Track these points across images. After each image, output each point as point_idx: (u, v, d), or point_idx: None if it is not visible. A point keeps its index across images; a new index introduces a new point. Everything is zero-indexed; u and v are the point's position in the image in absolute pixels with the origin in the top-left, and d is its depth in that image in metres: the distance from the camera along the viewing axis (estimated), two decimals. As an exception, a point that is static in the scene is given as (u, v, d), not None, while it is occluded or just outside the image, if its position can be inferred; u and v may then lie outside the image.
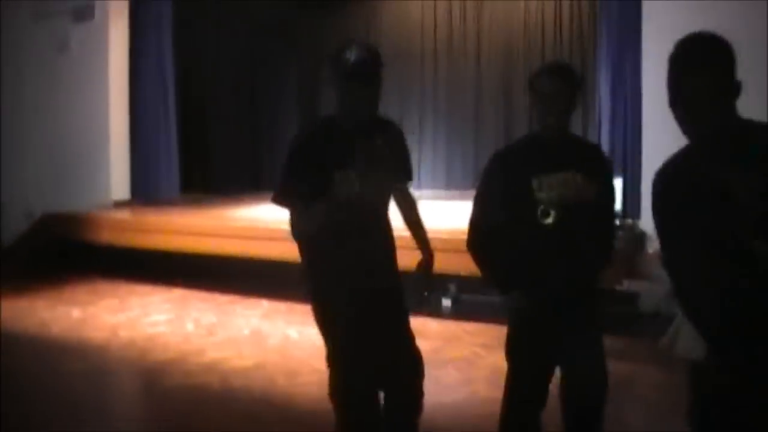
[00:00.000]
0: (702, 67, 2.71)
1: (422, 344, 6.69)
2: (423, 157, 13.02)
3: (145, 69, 11.58)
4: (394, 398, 3.98)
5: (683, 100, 2.74)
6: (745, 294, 2.63)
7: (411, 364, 3.99)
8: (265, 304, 8.45)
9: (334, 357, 3.90)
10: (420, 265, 4.09)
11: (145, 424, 5.69)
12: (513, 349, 3.76)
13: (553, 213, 3.50)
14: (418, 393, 3.99)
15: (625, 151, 8.53)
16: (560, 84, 3.50)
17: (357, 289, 3.79)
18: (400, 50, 13.11)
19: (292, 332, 7.56)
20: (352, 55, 3.50)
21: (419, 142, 13.06)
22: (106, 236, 10.11)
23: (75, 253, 10.44)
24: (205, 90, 13.26)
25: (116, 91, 11.58)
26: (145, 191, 11.38)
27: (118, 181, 11.49)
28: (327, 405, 5.52)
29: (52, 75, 11.97)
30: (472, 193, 3.77)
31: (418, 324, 7.54)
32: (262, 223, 9.13)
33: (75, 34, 11.67)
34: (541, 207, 3.50)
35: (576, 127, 11.66)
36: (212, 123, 13.07)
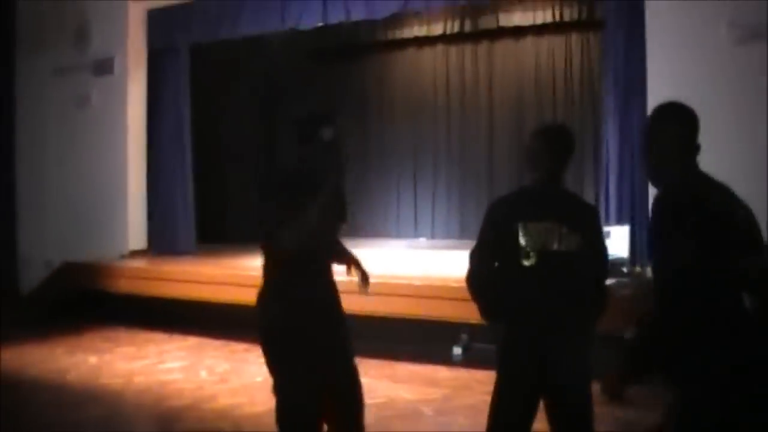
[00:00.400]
0: (672, 127, 3.43)
1: (432, 392, 6.82)
2: (438, 206, 13.19)
3: (162, 121, 11.82)
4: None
5: (656, 151, 3.44)
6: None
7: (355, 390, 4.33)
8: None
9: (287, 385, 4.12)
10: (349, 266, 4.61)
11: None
12: (498, 377, 4.11)
13: (533, 256, 3.92)
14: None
15: (633, 200, 8.64)
16: (549, 145, 4.04)
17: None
18: (412, 101, 13.36)
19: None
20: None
21: (433, 192, 13.25)
22: (124, 285, 10.29)
23: (93, 302, 10.60)
24: (222, 142, 13.49)
25: (134, 144, 11.82)
26: (162, 243, 11.56)
27: (135, 231, 11.68)
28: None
29: (72, 128, 12.24)
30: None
31: (429, 372, 7.73)
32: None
33: (95, 88, 11.95)
34: (524, 250, 3.92)
35: (589, 177, 11.82)
36: (228, 175, 13.28)
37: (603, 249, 4.14)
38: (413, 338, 8.38)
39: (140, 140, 11.85)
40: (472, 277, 4.08)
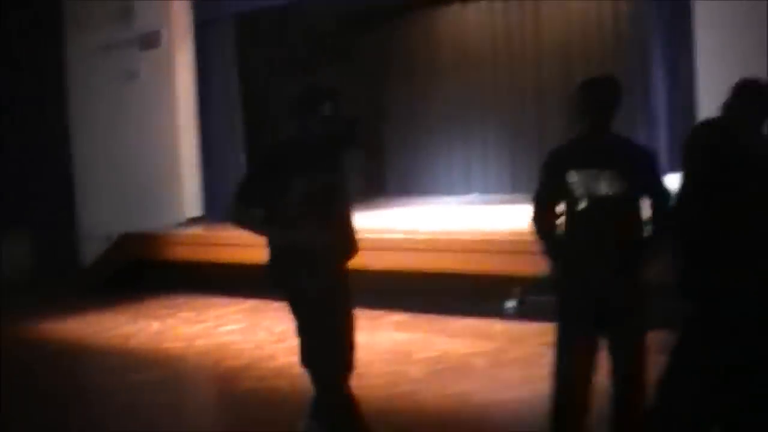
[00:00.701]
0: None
1: (485, 345, 6.90)
2: (489, 162, 13.17)
3: (212, 91, 11.94)
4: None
5: None
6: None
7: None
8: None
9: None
10: None
11: (221, 427, 5.97)
12: (559, 320, 4.40)
13: (584, 201, 4.20)
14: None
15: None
16: (594, 96, 4.30)
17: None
18: (460, 58, 13.30)
19: (361, 336, 7.71)
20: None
21: (484, 148, 13.22)
22: (182, 253, 10.50)
23: (153, 270, 10.83)
24: (269, 110, 13.57)
25: (184, 115, 11.98)
26: (217, 210, 11.72)
27: (191, 200, 11.87)
28: (392, 404, 5.78)
29: (123, 102, 12.45)
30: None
31: (482, 326, 7.80)
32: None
33: (143, 62, 12.12)
34: (575, 196, 4.22)
35: (641, 125, 11.70)
36: (278, 140, 13.39)
37: (658, 189, 4.26)
38: (466, 293, 8.43)
39: (190, 111, 11.99)
40: (534, 220, 4.43)
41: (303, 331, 4.77)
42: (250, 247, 9.79)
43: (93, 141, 13.03)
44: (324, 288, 4.62)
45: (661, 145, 8.78)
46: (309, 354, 4.75)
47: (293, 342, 7.64)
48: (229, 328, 8.55)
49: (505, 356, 6.93)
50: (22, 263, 12.88)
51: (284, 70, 13.41)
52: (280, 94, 13.35)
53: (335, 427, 4.76)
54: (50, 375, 7.55)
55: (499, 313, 8.12)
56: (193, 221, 11.64)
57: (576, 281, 4.30)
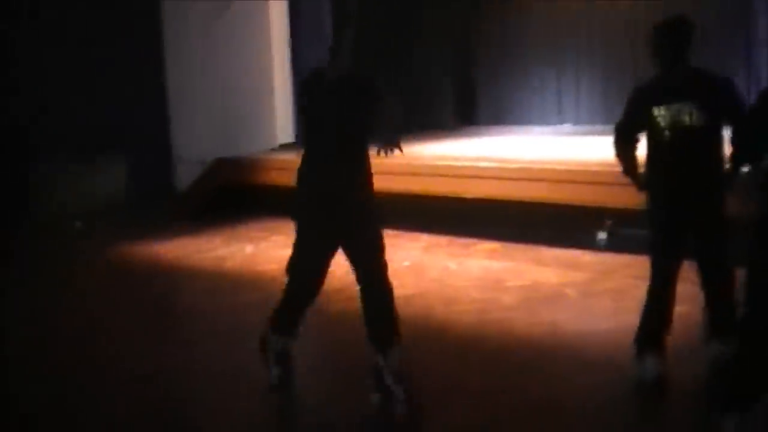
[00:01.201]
0: None
1: (577, 275, 6.88)
2: (582, 92, 12.97)
3: (303, 17, 11.98)
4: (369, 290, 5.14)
5: None
6: None
7: (373, 265, 5.09)
8: (425, 238, 8.73)
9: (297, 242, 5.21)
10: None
11: (315, 346, 6.11)
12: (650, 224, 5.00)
13: (668, 132, 4.72)
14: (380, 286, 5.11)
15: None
16: (668, 37, 4.75)
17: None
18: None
19: (452, 264, 7.84)
20: None
21: (576, 79, 13.02)
22: (274, 177, 10.64)
23: (246, 194, 11.02)
24: (366, 31, 13.52)
25: (277, 41, 12.07)
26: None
27: (283, 126, 12.00)
28: (484, 331, 5.85)
29: (217, 28, 12.54)
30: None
31: (574, 256, 7.78)
32: (423, 160, 9.42)
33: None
34: (659, 128, 4.73)
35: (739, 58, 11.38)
36: (372, 64, 13.33)
37: (738, 115, 4.58)
38: (557, 223, 8.41)
39: (283, 37, 12.08)
40: (617, 150, 5.05)
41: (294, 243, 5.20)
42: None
43: (187, 68, 13.17)
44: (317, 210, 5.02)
45: (761, 73, 8.57)
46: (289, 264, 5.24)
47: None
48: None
49: (596, 287, 6.93)
50: (117, 186, 13.20)
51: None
52: (374, 19, 13.32)
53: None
54: (151, 294, 7.80)
55: (590, 245, 8.09)
56: (285, 147, 11.77)
57: (663, 205, 4.86)
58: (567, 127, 12.53)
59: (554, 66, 13.18)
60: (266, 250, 8.99)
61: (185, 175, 13.06)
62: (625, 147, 5.02)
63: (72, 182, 11.96)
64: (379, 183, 9.26)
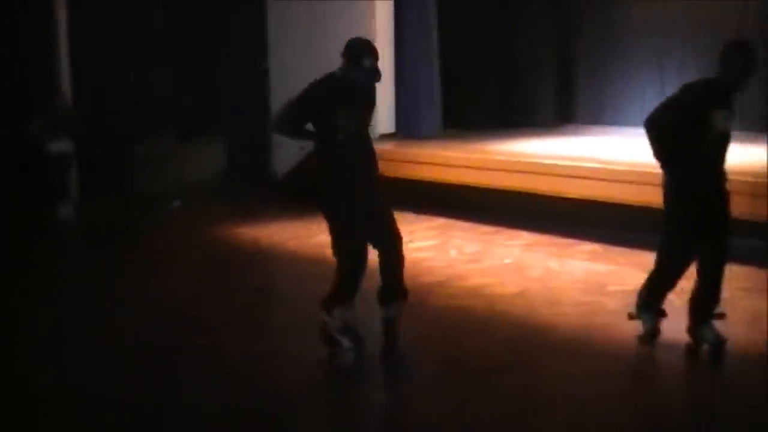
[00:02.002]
0: None
1: (680, 283, 6.73)
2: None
3: (408, 6, 11.96)
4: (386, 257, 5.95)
5: None
6: None
7: (394, 237, 5.94)
8: (525, 236, 8.67)
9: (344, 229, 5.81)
10: None
11: (420, 339, 6.13)
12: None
13: (719, 134, 5.41)
14: (400, 254, 5.99)
15: None
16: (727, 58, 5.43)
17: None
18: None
19: (554, 264, 7.78)
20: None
21: (680, 79, 12.70)
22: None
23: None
24: (464, 27, 13.47)
25: (381, 30, 12.05)
26: (409, 127, 11.84)
27: (384, 116, 12.00)
28: (589, 335, 5.81)
29: (320, 15, 12.63)
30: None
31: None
32: (524, 157, 9.37)
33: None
34: (715, 131, 5.37)
35: None
36: (473, 60, 13.28)
37: None
38: (659, 228, 8.24)
39: (387, 27, 12.07)
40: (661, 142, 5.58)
41: (338, 231, 5.83)
42: (440, 166, 9.99)
43: (290, 53, 13.31)
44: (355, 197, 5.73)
45: None
46: (339, 250, 5.83)
47: (485, 263, 7.85)
48: (420, 244, 8.68)
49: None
50: (215, 168, 13.40)
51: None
52: (474, 15, 13.26)
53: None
54: (249, 278, 7.91)
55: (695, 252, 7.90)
56: (385, 137, 11.80)
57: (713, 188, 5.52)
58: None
59: (657, 66, 12.95)
60: (365, 239, 9.03)
61: (283, 161, 13.21)
62: (670, 145, 5.61)
63: (172, 162, 12.16)
64: (480, 179, 9.35)
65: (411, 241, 8.79)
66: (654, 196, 8.01)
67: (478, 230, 9.12)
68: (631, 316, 5.80)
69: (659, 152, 5.55)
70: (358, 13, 12.17)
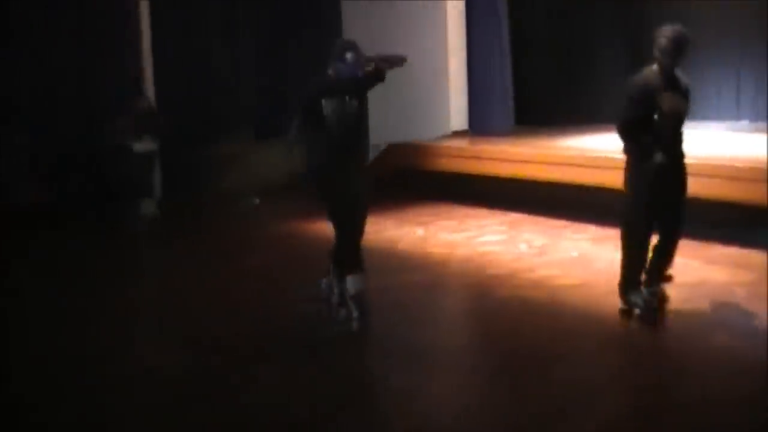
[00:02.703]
0: None
1: (746, 275, 6.82)
2: (760, 88, 12.61)
3: (480, 7, 12.11)
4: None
5: None
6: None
7: (362, 219, 6.66)
8: (593, 230, 8.79)
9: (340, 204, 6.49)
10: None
11: (480, 328, 6.36)
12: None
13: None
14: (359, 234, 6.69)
15: None
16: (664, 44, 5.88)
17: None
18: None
19: (619, 256, 7.87)
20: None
21: (756, 74, 12.66)
22: (445, 164, 10.91)
23: (417, 179, 11.33)
24: (535, 26, 13.56)
25: (454, 29, 12.26)
26: (482, 124, 12.02)
27: (456, 113, 12.23)
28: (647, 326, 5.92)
29: (393, 14, 12.87)
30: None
31: (743, 255, 7.69)
32: (592, 153, 9.48)
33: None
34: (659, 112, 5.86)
35: None
36: (543, 57, 13.38)
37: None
38: (726, 221, 8.31)
39: (459, 26, 12.26)
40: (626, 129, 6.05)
41: (333, 210, 6.52)
42: (511, 162, 10.16)
43: (364, 50, 13.54)
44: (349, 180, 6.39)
45: None
46: (336, 219, 6.54)
47: (553, 256, 8.03)
48: (489, 238, 8.91)
49: (765, 288, 6.82)
50: (281, 168, 13.70)
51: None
52: (545, 12, 13.32)
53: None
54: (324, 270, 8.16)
55: (763, 244, 7.95)
56: (458, 134, 12.01)
57: (664, 164, 5.95)
58: (744, 123, 12.25)
59: (733, 62, 12.88)
60: (435, 233, 9.28)
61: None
62: (636, 131, 6.04)
63: (250, 161, 12.51)
64: (550, 174, 9.49)
65: (481, 235, 9.05)
66: (720, 189, 8.14)
67: (548, 224, 9.28)
68: (625, 313, 6.18)
69: (627, 147, 6.09)
70: (430, 15, 12.41)
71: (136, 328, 6.75)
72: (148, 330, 6.78)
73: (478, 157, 10.53)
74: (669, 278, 6.34)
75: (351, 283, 6.54)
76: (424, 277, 7.60)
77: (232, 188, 11.95)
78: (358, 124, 6.55)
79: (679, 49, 5.89)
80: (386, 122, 12.98)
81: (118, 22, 12.11)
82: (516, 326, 6.22)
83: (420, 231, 9.45)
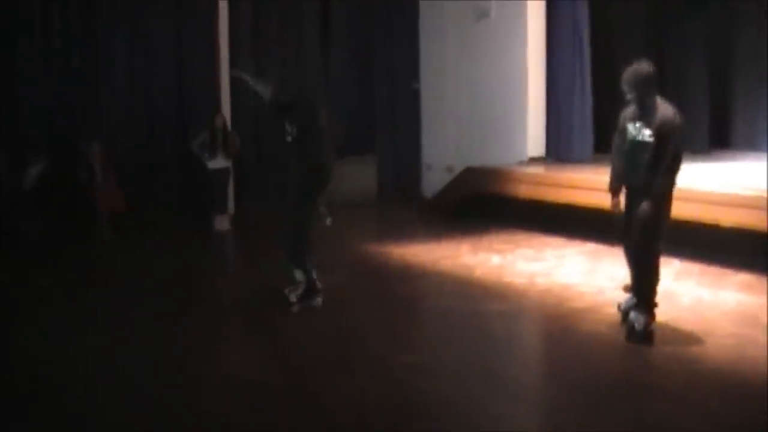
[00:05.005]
0: None
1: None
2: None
3: (561, 34, 11.97)
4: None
5: None
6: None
7: (288, 222, 7.39)
8: (677, 264, 8.57)
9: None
10: None
11: (561, 363, 6.20)
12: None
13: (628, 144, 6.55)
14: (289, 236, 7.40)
15: None
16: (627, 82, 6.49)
17: None
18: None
19: (705, 293, 7.68)
20: None
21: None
22: (522, 190, 10.77)
23: (493, 204, 11.20)
24: (615, 52, 13.37)
25: (534, 55, 12.14)
26: (560, 150, 11.86)
27: (534, 139, 12.08)
28: (741, 368, 5.75)
29: (472, 40, 12.83)
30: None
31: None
32: (677, 184, 9.25)
33: (495, 4, 12.40)
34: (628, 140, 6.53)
35: None
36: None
37: (664, 145, 6.37)
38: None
39: (540, 51, 12.13)
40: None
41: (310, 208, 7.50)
42: (591, 190, 9.95)
43: (441, 76, 13.55)
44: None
45: None
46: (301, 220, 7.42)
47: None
48: (569, 269, 8.74)
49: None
50: (367, 186, 13.73)
51: (629, 11, 13.06)
52: (625, 38, 13.12)
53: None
54: (401, 293, 8.12)
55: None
56: (535, 161, 11.87)
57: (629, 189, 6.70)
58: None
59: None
60: (513, 262, 9.13)
61: (431, 181, 13.44)
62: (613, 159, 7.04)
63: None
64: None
65: (561, 266, 8.88)
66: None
67: (629, 257, 9.05)
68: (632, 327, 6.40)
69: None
70: (509, 35, 12.30)
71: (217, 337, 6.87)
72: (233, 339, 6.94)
73: (556, 185, 10.35)
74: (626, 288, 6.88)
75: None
76: (500, 307, 7.47)
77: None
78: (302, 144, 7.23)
79: (641, 84, 6.38)
80: (460, 146, 12.94)
81: (199, 45, 12.29)
82: (600, 360, 6.09)
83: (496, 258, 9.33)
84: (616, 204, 6.77)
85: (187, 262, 9.68)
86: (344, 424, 5.07)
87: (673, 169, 6.47)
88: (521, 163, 11.81)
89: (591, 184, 9.95)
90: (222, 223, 11.29)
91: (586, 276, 8.43)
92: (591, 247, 9.60)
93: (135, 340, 6.69)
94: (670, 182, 6.51)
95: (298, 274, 7.33)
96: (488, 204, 11.32)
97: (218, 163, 11.34)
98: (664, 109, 6.46)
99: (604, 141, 12.35)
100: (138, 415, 5.20)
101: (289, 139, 7.22)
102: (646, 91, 6.41)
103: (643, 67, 6.45)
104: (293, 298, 7.32)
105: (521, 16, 12.15)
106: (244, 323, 7.38)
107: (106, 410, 5.27)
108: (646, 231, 6.42)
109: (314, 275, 7.38)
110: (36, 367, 6.08)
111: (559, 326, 7.03)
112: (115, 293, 8.20)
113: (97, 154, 10.95)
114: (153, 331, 6.89)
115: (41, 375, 5.91)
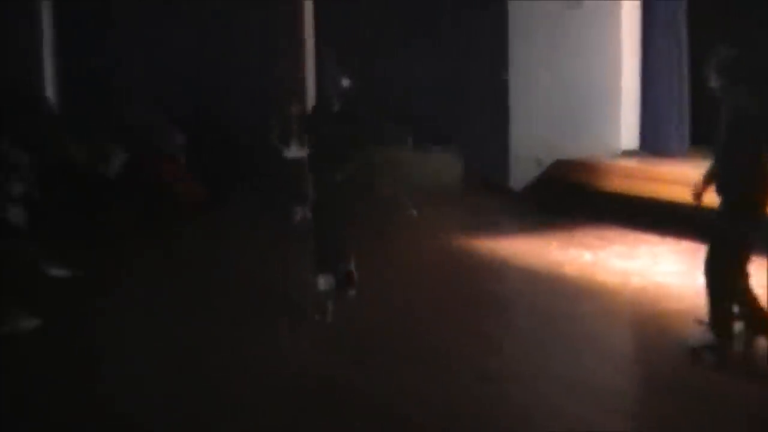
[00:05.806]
0: None
1: None
2: None
3: (657, 22, 11.56)
4: None
5: None
6: None
7: None
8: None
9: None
10: None
11: (656, 362, 5.93)
12: None
13: None
14: None
15: None
16: None
17: None
18: None
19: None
20: None
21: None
22: (614, 184, 10.42)
23: (584, 198, 10.85)
24: (717, 40, 12.86)
25: (628, 44, 11.75)
26: (655, 144, 11.44)
27: (628, 132, 11.70)
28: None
29: (564, 29, 12.44)
30: None
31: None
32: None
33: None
34: None
35: None
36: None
37: None
38: None
39: (634, 41, 11.74)
40: None
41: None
42: (687, 186, 9.52)
43: (532, 65, 13.20)
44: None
45: None
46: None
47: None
48: (665, 268, 8.38)
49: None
50: (452, 177, 13.49)
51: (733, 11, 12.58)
52: (725, 27, 12.61)
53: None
54: (489, 291, 7.91)
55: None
56: (628, 154, 11.48)
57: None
58: None
59: None
60: (605, 259, 8.80)
61: (519, 173, 13.11)
62: None
63: (411, 169, 12.35)
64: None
65: (656, 264, 8.53)
66: None
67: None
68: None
69: None
70: (602, 23, 11.92)
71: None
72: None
73: (651, 179, 9.97)
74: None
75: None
76: (592, 308, 7.18)
77: (390, 195, 11.71)
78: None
79: None
80: (550, 138, 12.58)
81: (282, 34, 12.23)
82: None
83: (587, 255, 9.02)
84: None
85: (266, 256, 9.49)
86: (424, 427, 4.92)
87: None
88: (614, 156, 11.43)
89: (688, 179, 9.54)
90: (300, 214, 11.06)
91: (683, 276, 8.03)
92: (686, 245, 9.15)
93: (217, 334, 6.63)
94: None
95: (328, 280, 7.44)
96: (578, 198, 10.97)
97: (295, 152, 11.08)
98: None
99: (701, 133, 11.93)
100: (214, 407, 5.18)
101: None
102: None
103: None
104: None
105: (615, 4, 11.76)
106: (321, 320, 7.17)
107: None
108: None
109: (352, 266, 7.53)
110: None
111: (655, 327, 6.72)
112: (195, 285, 8.17)
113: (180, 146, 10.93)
114: (229, 327, 6.85)
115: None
